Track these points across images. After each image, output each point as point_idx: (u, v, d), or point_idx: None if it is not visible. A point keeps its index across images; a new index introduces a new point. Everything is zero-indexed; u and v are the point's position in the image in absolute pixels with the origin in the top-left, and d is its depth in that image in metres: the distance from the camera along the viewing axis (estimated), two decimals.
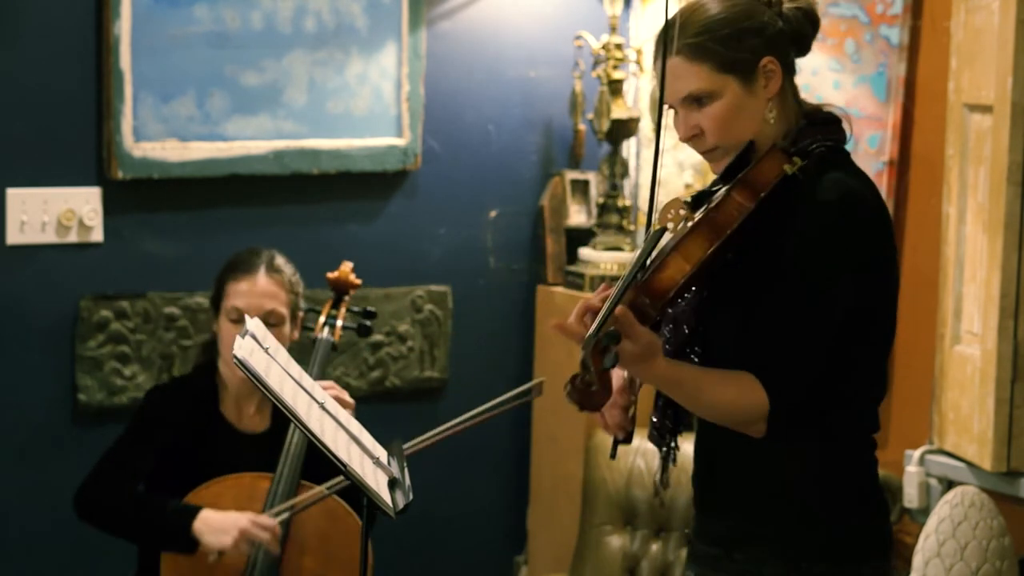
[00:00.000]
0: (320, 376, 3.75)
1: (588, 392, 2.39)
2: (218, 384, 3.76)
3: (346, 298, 3.95)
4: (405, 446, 3.48)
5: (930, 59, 4.09)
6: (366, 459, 2.86)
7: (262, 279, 3.68)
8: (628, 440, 2.76)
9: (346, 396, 3.64)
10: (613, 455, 2.84)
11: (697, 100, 2.59)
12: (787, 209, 2.53)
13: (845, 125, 2.65)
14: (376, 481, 2.80)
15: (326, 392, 3.64)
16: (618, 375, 2.73)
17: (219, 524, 3.49)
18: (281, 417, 3.65)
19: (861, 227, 2.54)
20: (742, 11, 2.59)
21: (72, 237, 4.14)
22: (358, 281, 3.96)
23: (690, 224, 2.51)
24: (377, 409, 4.33)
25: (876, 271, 2.57)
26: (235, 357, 2.78)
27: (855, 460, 2.64)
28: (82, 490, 3.66)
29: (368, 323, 4.01)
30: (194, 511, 3.52)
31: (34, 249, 4.12)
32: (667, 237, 2.54)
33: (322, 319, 3.89)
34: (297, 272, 3.78)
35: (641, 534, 4.26)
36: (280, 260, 3.75)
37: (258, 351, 2.88)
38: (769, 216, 2.53)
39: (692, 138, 2.63)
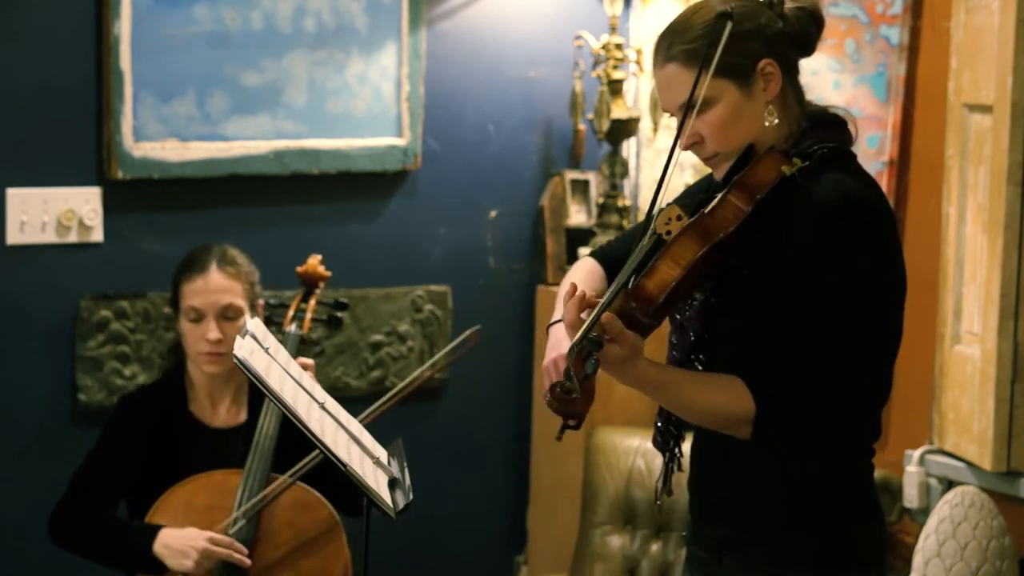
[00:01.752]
0: None
1: (568, 399, 2.37)
2: (186, 385, 3.77)
3: (316, 291, 3.92)
4: (362, 416, 3.49)
5: (930, 59, 4.09)
6: (366, 459, 2.86)
7: (215, 275, 3.68)
8: (577, 427, 2.71)
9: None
10: (559, 437, 2.80)
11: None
12: (785, 211, 2.50)
13: (851, 127, 2.61)
14: (376, 481, 2.81)
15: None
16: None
17: (179, 546, 3.50)
18: (257, 409, 3.68)
19: (858, 231, 2.50)
20: (736, 15, 2.53)
21: (72, 237, 4.14)
22: (327, 273, 3.94)
23: (681, 227, 2.48)
24: None
25: (874, 275, 2.53)
26: (235, 357, 2.79)
27: (849, 469, 2.61)
28: (53, 516, 3.69)
29: (339, 314, 3.98)
30: (153, 532, 3.53)
31: (34, 249, 4.12)
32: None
33: (290, 313, 3.87)
34: (252, 262, 3.77)
35: (641, 534, 4.26)
36: (232, 252, 3.75)
37: (258, 351, 2.88)
38: (769, 219, 2.50)
39: (692, 145, 2.59)
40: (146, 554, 3.52)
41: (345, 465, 2.75)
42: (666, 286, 2.44)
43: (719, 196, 2.52)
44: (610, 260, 2.78)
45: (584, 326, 2.39)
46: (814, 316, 2.50)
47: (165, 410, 3.74)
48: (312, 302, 3.90)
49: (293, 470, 3.55)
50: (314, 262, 3.94)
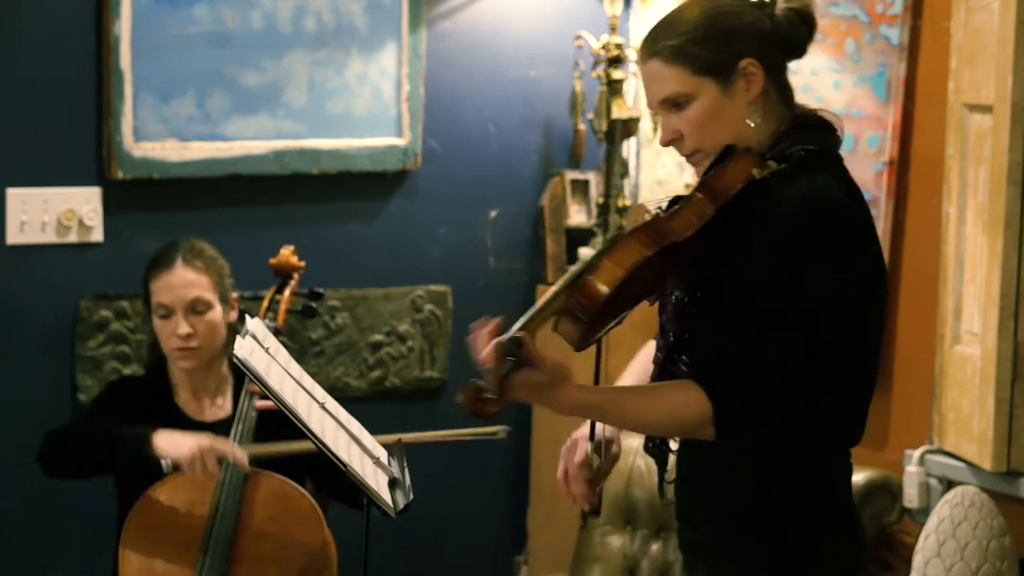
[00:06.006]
0: None
1: (480, 399, 2.32)
2: (171, 379, 3.78)
3: (291, 282, 3.90)
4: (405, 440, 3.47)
5: (930, 59, 4.09)
6: (366, 459, 2.87)
7: (179, 270, 3.69)
8: (596, 513, 2.66)
9: None
10: (583, 525, 2.80)
11: (675, 104, 2.54)
12: (755, 214, 2.47)
13: (837, 130, 2.57)
14: (376, 481, 2.81)
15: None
16: (582, 448, 2.67)
17: (178, 440, 3.46)
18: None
19: (823, 235, 2.45)
20: (722, 12, 2.53)
21: (72, 237, 4.15)
22: (301, 264, 3.92)
23: (634, 227, 2.43)
24: (377, 409, 4.33)
25: (840, 280, 2.47)
26: (235, 357, 2.79)
27: (821, 475, 2.58)
28: (42, 444, 3.70)
29: (313, 304, 3.96)
30: (148, 433, 3.49)
31: (34, 249, 4.12)
32: None
33: (264, 305, 3.86)
34: (220, 256, 3.77)
35: (641, 534, 4.26)
36: (200, 245, 3.76)
37: (258, 351, 2.89)
38: (738, 220, 2.47)
39: (672, 142, 2.58)
40: (143, 447, 3.46)
41: (345, 465, 2.76)
42: (609, 285, 2.37)
43: (685, 197, 2.50)
44: None
45: (516, 324, 2.36)
46: (772, 319, 2.44)
47: (151, 401, 3.74)
48: (287, 293, 3.88)
49: (255, 458, 3.51)
50: (287, 252, 3.92)
